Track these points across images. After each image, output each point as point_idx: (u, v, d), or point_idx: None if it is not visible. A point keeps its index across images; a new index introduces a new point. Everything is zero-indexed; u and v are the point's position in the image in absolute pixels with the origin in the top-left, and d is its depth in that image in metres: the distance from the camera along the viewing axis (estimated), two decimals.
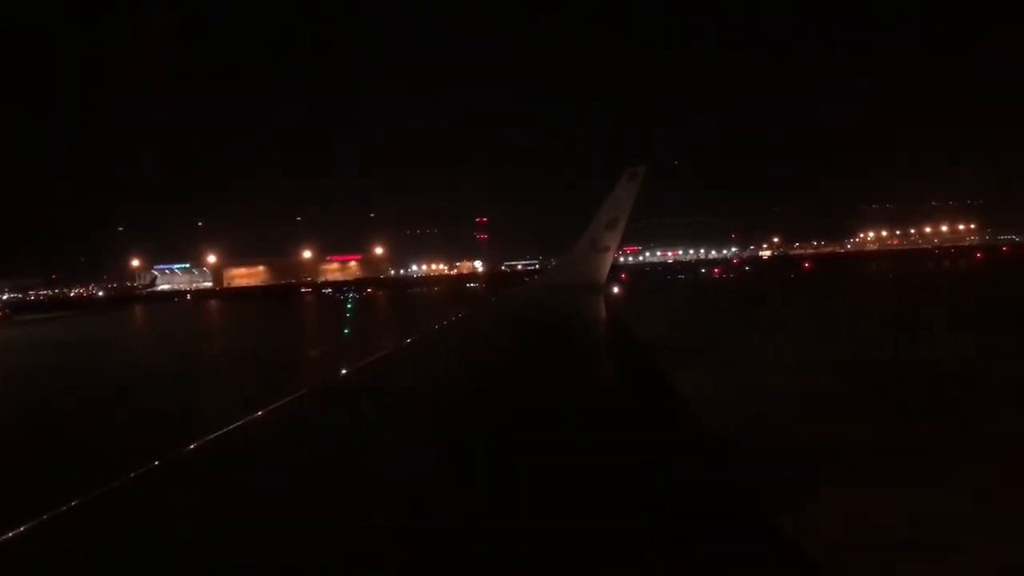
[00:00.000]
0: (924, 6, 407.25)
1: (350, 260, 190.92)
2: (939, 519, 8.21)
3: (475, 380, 5.33)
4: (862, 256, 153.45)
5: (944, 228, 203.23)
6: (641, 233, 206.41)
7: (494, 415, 4.07)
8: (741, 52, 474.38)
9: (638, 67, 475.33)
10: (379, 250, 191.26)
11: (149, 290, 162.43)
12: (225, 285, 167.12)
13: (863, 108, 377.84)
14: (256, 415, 3.74)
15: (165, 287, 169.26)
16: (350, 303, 74.97)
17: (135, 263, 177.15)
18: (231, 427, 3.46)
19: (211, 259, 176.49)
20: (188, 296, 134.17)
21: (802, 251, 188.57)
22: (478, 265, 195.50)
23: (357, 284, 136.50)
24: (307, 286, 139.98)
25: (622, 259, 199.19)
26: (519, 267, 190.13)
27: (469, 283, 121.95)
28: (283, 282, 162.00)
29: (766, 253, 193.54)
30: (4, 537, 2.21)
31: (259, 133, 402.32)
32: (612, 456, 3.11)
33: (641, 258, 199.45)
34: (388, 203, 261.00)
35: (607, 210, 14.23)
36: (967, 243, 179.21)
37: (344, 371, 6.11)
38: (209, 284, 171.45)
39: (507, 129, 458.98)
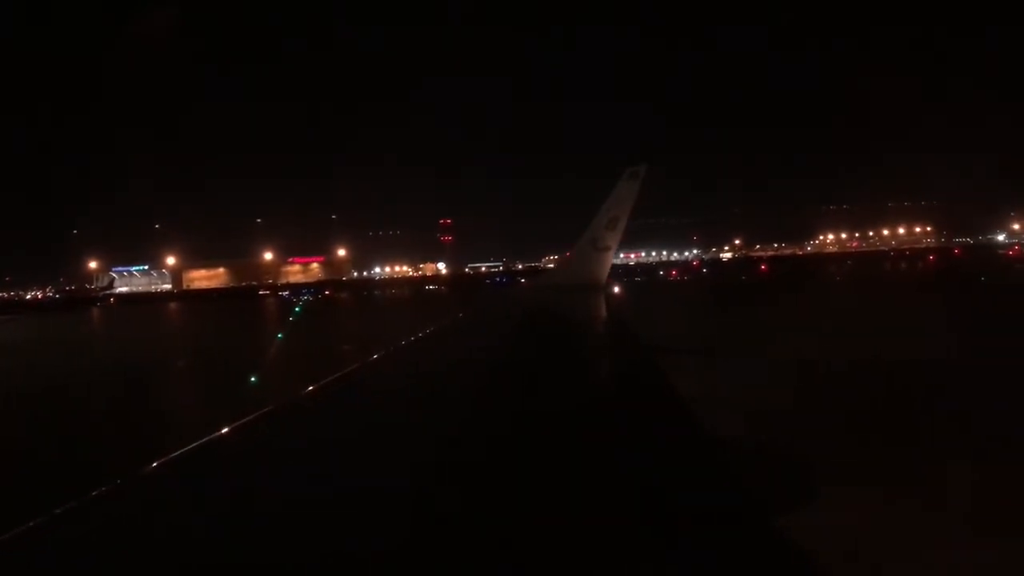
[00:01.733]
0: (883, 8, 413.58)
1: (312, 262, 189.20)
2: (936, 517, 8.23)
3: (474, 379, 5.31)
4: (819, 258, 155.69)
5: (902, 230, 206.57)
6: None
7: (497, 413, 4.09)
8: (703, 52, 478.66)
9: (599, 68, 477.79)
10: (341, 252, 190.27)
11: (106, 292, 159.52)
12: (185, 287, 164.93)
13: (828, 110, 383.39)
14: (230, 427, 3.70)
15: (123, 289, 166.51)
16: (299, 307, 74.14)
17: (92, 265, 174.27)
18: (215, 435, 3.46)
19: (170, 261, 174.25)
20: (111, 300, 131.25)
21: (762, 253, 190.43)
22: (442, 267, 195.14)
23: (317, 286, 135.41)
24: (267, 288, 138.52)
25: None
26: (483, 269, 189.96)
27: (434, 285, 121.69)
28: (243, 284, 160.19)
29: (727, 255, 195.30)
30: (3, 537, 2.23)
31: (221, 134, 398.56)
32: (614, 456, 3.16)
33: None
34: (351, 204, 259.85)
35: (607, 209, 14.15)
36: (923, 245, 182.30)
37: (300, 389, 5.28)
38: (168, 286, 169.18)
39: (471, 131, 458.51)
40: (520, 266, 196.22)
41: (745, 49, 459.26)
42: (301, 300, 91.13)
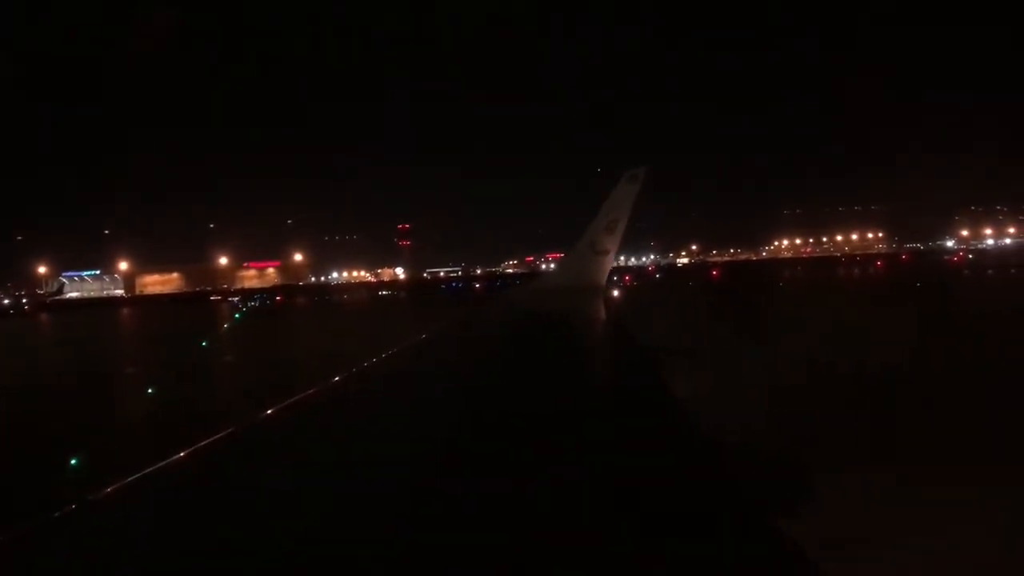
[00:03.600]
0: (838, 13, 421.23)
1: (268, 267, 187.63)
2: (935, 518, 8.23)
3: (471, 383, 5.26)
4: (770, 264, 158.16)
5: (855, 236, 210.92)
6: (564, 240, 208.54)
7: (492, 414, 4.09)
8: (657, 58, 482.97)
9: (555, 71, 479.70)
10: (298, 256, 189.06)
11: (55, 298, 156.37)
12: (138, 292, 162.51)
13: (793, 115, 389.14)
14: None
15: (74, 295, 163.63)
16: (239, 315, 73.22)
17: (42, 270, 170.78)
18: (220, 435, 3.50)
19: (123, 266, 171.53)
20: (26, 307, 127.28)
21: (718, 258, 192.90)
22: (400, 272, 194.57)
23: (270, 292, 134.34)
24: (219, 294, 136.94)
25: (544, 266, 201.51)
26: (442, 274, 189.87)
27: (394, 291, 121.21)
28: (197, 289, 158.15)
29: (684, 260, 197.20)
30: (4, 537, 2.27)
31: (175, 135, 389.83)
32: (611, 457, 3.16)
33: None
34: (309, 209, 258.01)
35: (606, 212, 14.10)
36: (874, 251, 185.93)
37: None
38: (121, 291, 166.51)
39: (429, 134, 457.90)
40: (479, 271, 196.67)
41: (701, 55, 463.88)
42: (244, 307, 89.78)
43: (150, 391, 22.97)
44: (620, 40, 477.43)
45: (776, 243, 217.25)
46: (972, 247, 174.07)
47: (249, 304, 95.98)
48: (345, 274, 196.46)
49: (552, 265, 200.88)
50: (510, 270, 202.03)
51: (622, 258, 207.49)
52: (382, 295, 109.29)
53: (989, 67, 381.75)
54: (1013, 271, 72.49)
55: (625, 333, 8.44)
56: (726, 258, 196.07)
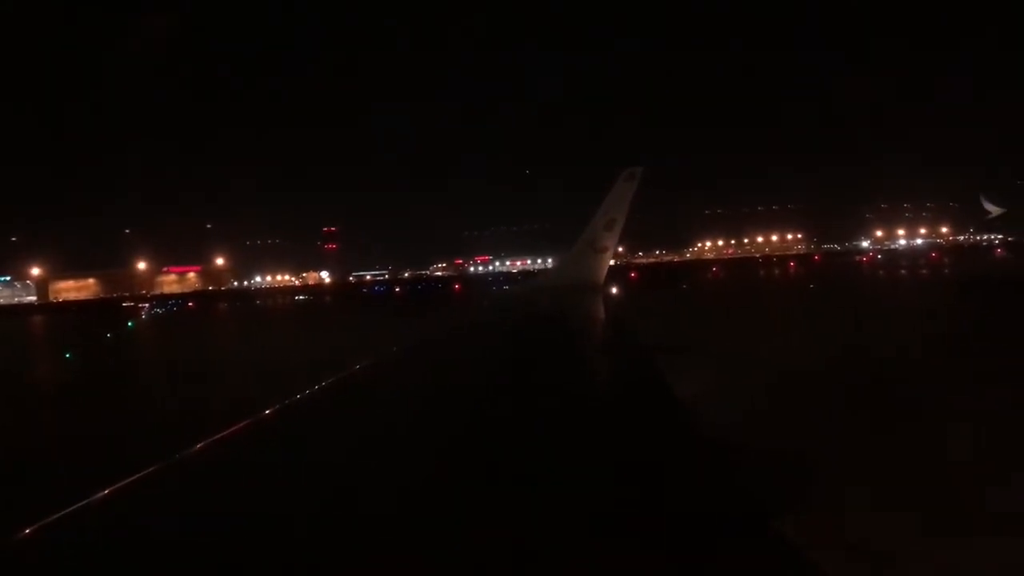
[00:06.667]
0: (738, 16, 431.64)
1: (189, 271, 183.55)
2: (934, 519, 8.27)
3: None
4: (687, 265, 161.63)
5: (775, 237, 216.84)
6: (492, 242, 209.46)
7: (494, 410, 4.15)
8: (584, 58, 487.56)
9: (498, 72, 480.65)
10: (220, 260, 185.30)
11: None
12: (51, 299, 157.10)
13: (725, 118, 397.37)
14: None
15: None
16: (132, 323, 71.51)
17: None
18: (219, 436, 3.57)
19: (35, 271, 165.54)
20: None
21: (643, 260, 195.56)
22: (325, 276, 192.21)
23: (187, 297, 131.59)
24: (133, 300, 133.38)
25: (472, 268, 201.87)
26: (368, 277, 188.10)
27: (314, 295, 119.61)
28: (113, 295, 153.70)
29: (611, 262, 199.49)
30: (8, 538, 2.32)
31: (93, 134, 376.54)
32: (613, 456, 3.18)
33: (491, 267, 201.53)
34: (231, 212, 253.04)
35: (605, 211, 14.55)
36: (792, 252, 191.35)
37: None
38: (33, 298, 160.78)
39: (358, 135, 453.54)
40: (407, 274, 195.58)
41: (629, 54, 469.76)
42: (143, 315, 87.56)
43: None
44: (537, 42, 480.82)
45: (700, 244, 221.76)
46: (884, 247, 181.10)
47: (153, 311, 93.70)
48: (269, 278, 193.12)
49: (481, 268, 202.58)
50: (439, 272, 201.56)
51: (550, 260, 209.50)
52: (301, 300, 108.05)
53: (912, 68, 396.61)
54: (924, 271, 77.03)
55: (625, 331, 8.82)
56: (651, 260, 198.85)
